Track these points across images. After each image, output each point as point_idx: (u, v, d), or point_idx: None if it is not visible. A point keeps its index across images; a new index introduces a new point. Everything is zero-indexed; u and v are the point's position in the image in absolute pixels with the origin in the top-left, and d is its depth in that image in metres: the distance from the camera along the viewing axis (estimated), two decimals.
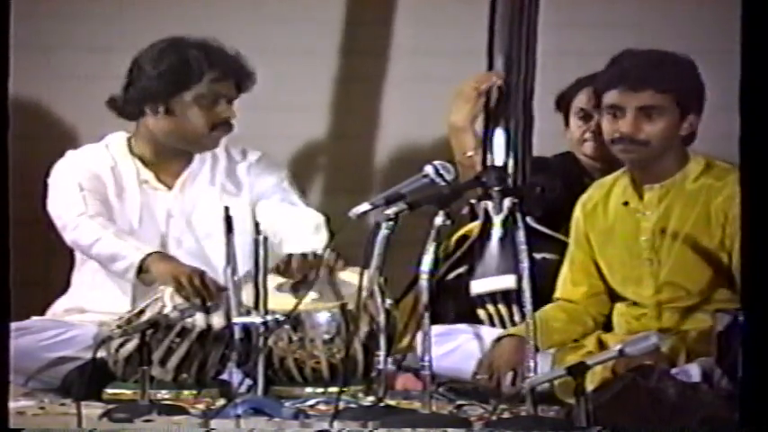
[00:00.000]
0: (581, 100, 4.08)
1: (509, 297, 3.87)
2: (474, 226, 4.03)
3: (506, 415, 3.29)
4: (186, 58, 3.92)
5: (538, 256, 3.81)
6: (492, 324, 3.82)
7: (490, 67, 4.03)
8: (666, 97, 3.54)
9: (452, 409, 3.44)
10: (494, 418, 3.26)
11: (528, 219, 3.90)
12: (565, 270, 3.76)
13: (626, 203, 3.65)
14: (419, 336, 3.46)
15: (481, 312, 3.89)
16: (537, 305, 3.59)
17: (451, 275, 3.98)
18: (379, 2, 4.72)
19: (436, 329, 3.56)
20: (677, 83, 3.56)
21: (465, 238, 4.03)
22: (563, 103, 4.12)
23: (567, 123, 4.14)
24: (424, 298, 3.42)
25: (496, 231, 3.95)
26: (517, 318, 3.84)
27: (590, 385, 3.17)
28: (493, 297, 3.92)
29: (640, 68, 3.55)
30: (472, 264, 3.97)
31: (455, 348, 3.72)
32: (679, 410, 3.06)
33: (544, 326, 3.54)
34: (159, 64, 3.91)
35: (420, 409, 3.32)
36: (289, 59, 4.61)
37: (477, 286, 3.92)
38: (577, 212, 3.76)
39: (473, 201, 4.03)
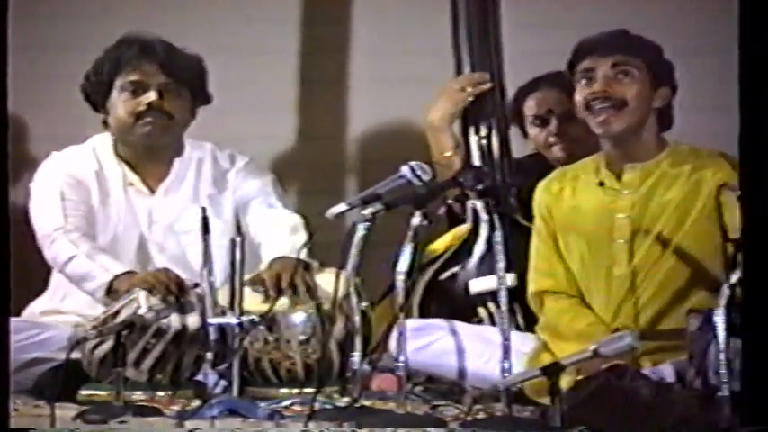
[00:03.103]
0: (530, 107, 4.09)
1: (512, 295, 3.86)
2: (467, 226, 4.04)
3: (481, 415, 3.30)
4: (110, 52, 3.96)
5: None
6: (492, 322, 3.81)
7: (458, 66, 4.04)
8: (637, 61, 3.57)
9: (428, 410, 3.45)
10: (469, 418, 3.27)
11: (520, 218, 3.92)
12: (534, 260, 3.73)
13: (602, 183, 3.64)
14: (394, 335, 3.48)
15: (481, 311, 3.89)
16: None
17: (445, 275, 3.97)
18: (338, 1, 4.73)
19: (411, 324, 3.57)
20: (646, 51, 3.59)
21: (457, 238, 4.04)
22: (514, 115, 4.12)
23: (524, 134, 4.14)
24: (400, 298, 3.43)
25: (488, 231, 3.94)
26: (519, 315, 3.84)
27: (565, 385, 3.18)
28: (493, 295, 3.91)
29: (609, 39, 3.59)
30: (465, 263, 3.97)
31: (430, 343, 3.72)
32: (652, 410, 3.06)
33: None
34: (96, 63, 3.95)
35: (395, 410, 3.33)
36: (250, 60, 4.62)
37: (477, 285, 3.91)
38: (540, 196, 3.73)
39: (450, 201, 4.03)
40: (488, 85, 4.01)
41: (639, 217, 3.58)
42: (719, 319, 3.03)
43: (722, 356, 3.01)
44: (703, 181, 3.54)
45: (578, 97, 3.61)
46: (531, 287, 3.73)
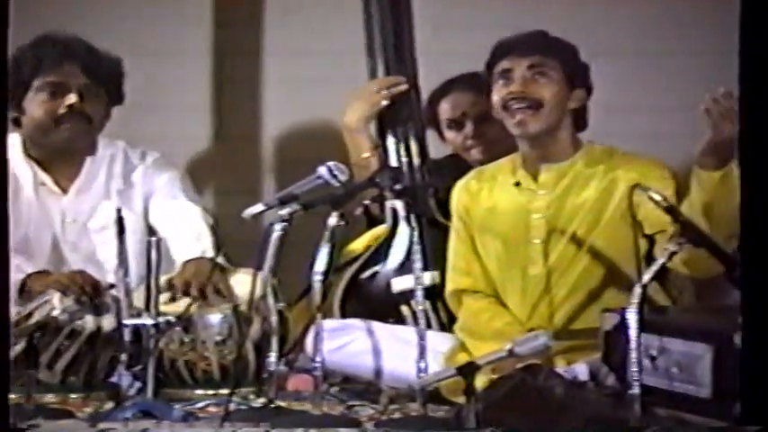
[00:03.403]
0: (444, 111, 4.11)
1: (434, 293, 3.87)
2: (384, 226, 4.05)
3: (397, 415, 3.31)
4: (29, 51, 3.91)
5: None
6: (415, 320, 3.81)
7: (372, 67, 4.03)
8: (554, 62, 3.60)
9: (343, 410, 3.44)
10: (384, 418, 3.28)
11: (440, 217, 3.92)
12: (452, 258, 3.74)
13: (518, 184, 3.67)
14: (311, 336, 3.47)
15: (404, 309, 3.88)
16: None
17: (366, 274, 3.97)
18: (251, 2, 4.73)
19: (328, 324, 3.57)
20: (562, 53, 3.62)
21: (376, 238, 4.04)
22: (430, 119, 4.13)
23: (441, 136, 4.15)
24: (317, 299, 3.43)
25: (407, 231, 3.95)
26: (442, 314, 3.85)
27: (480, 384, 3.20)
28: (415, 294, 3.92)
29: (527, 39, 3.62)
30: (386, 262, 3.96)
31: (347, 343, 3.72)
32: (566, 409, 3.08)
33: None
34: (13, 61, 3.91)
35: (311, 410, 3.33)
36: (165, 60, 4.60)
37: (399, 284, 3.92)
38: (458, 196, 3.75)
39: (366, 202, 4.04)
40: (404, 87, 4.01)
41: (555, 217, 3.61)
42: (632, 318, 3.05)
43: (634, 355, 3.03)
44: (617, 181, 3.58)
45: (495, 98, 3.63)
46: (449, 286, 3.75)
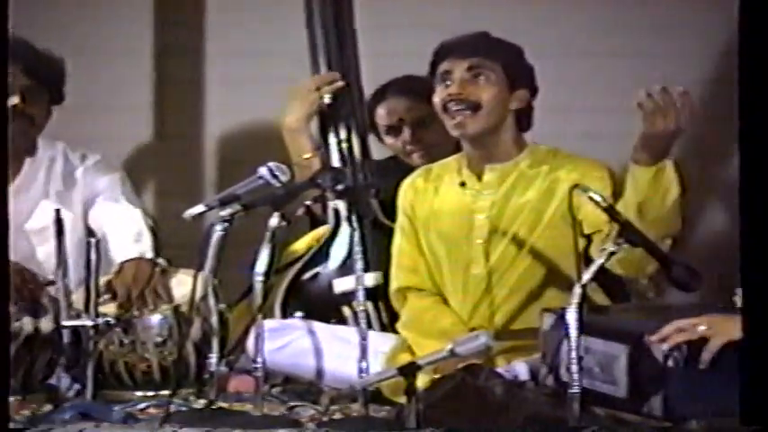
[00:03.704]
0: (381, 117, 4.11)
1: (376, 294, 3.87)
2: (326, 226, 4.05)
3: (338, 415, 3.31)
4: None
5: None
6: (356, 321, 3.82)
7: (315, 68, 4.04)
8: (493, 64, 3.61)
9: (284, 411, 3.44)
10: (325, 418, 3.28)
11: (382, 218, 3.93)
12: (396, 257, 3.75)
13: (463, 184, 3.68)
14: (251, 336, 3.47)
15: (346, 310, 3.88)
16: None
17: (307, 275, 3.97)
18: (190, 3, 4.71)
19: (269, 325, 3.57)
20: (503, 54, 3.63)
21: (317, 239, 4.04)
22: (369, 124, 4.12)
23: (381, 141, 4.16)
24: (258, 299, 3.42)
25: (349, 231, 3.95)
26: (384, 314, 3.85)
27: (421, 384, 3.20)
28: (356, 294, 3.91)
29: (468, 40, 3.63)
30: (327, 263, 3.96)
31: (288, 343, 3.71)
32: (506, 409, 3.10)
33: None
34: None
35: (252, 411, 3.32)
36: (106, 60, 4.58)
37: (341, 284, 3.91)
38: (404, 194, 3.76)
39: (308, 202, 4.03)
40: (341, 84, 4.00)
41: (497, 217, 3.62)
42: (571, 318, 3.07)
43: (573, 354, 3.05)
44: (558, 181, 3.60)
45: (436, 99, 3.64)
46: (395, 284, 3.75)
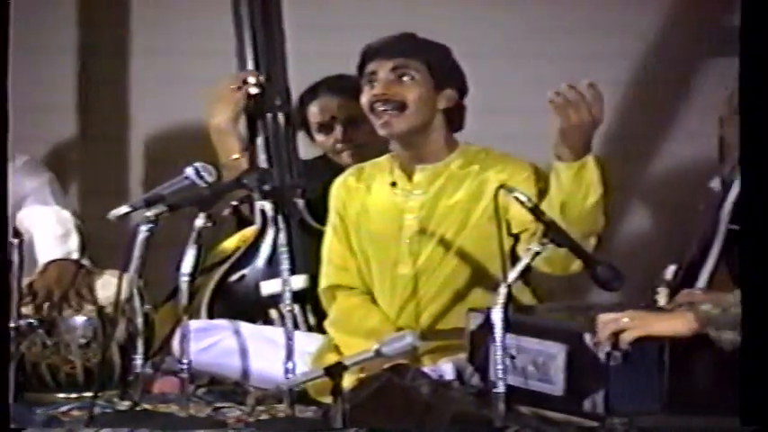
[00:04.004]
0: (313, 114, 4.11)
1: (302, 297, 3.86)
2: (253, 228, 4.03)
3: (264, 416, 3.30)
4: None
5: None
6: (283, 324, 3.81)
7: (242, 68, 4.02)
8: (418, 64, 3.62)
9: (210, 412, 3.42)
10: (251, 419, 3.27)
11: (309, 219, 3.93)
12: (327, 255, 3.75)
13: (394, 184, 3.68)
14: (177, 337, 3.45)
15: (273, 312, 3.87)
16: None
17: (234, 276, 3.95)
18: (114, 1, 4.68)
19: (195, 325, 3.55)
20: (428, 54, 3.64)
21: (244, 239, 4.02)
22: (299, 121, 4.13)
23: (312, 139, 4.16)
24: (183, 300, 3.40)
25: (275, 232, 3.94)
26: (311, 318, 3.85)
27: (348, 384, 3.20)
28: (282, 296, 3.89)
29: (394, 41, 3.65)
30: (254, 264, 3.95)
31: (214, 344, 3.70)
32: (431, 408, 3.11)
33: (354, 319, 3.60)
34: None
35: (177, 413, 3.31)
36: (30, 59, 4.53)
37: (268, 287, 3.90)
38: (336, 192, 3.76)
39: (234, 203, 4.01)
40: (261, 78, 3.98)
41: (427, 218, 3.63)
42: (497, 318, 3.08)
43: (499, 354, 3.06)
44: (487, 181, 3.62)
45: (363, 100, 3.65)
46: (324, 282, 3.75)
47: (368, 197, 3.71)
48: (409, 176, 3.67)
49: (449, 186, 3.63)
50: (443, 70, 3.65)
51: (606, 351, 3.02)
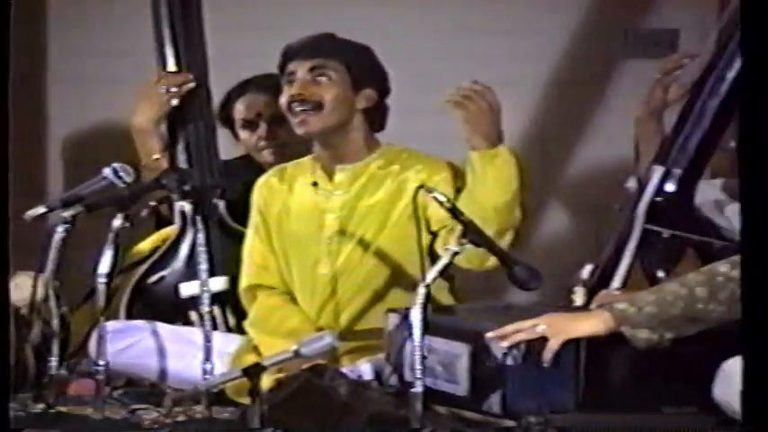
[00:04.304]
0: (239, 111, 4.10)
1: (222, 298, 3.83)
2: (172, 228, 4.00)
3: (181, 418, 3.28)
4: None
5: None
6: (202, 325, 3.78)
7: (162, 67, 3.99)
8: (336, 64, 3.62)
9: (126, 414, 3.39)
10: (168, 421, 3.24)
11: (229, 220, 3.91)
12: (248, 255, 3.73)
13: (315, 184, 3.68)
14: (93, 339, 3.42)
15: (192, 314, 3.84)
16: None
17: (154, 278, 3.92)
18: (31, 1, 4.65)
19: (112, 326, 3.52)
20: (347, 54, 3.64)
21: (163, 240, 3.99)
22: (224, 118, 4.12)
23: (236, 136, 4.15)
24: (100, 301, 3.37)
25: (195, 233, 3.91)
26: (231, 319, 3.82)
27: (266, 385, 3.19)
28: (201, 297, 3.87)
29: (313, 41, 3.66)
30: (174, 265, 3.93)
31: (131, 345, 3.67)
32: (349, 409, 3.10)
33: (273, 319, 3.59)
34: None
35: (92, 415, 3.27)
36: None
37: (187, 288, 3.87)
38: (258, 192, 3.75)
39: (153, 203, 3.98)
40: (192, 85, 3.97)
41: (347, 218, 3.63)
42: (415, 318, 3.08)
43: (417, 354, 3.07)
44: (407, 181, 3.62)
45: (282, 100, 3.65)
46: (245, 281, 3.73)
47: (290, 197, 3.70)
48: (330, 177, 3.67)
49: (369, 186, 3.64)
50: (362, 70, 3.65)
51: (504, 351, 3.03)
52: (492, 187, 3.41)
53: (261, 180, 3.78)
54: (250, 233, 3.76)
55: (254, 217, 3.76)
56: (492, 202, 3.40)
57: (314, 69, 3.61)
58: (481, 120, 3.42)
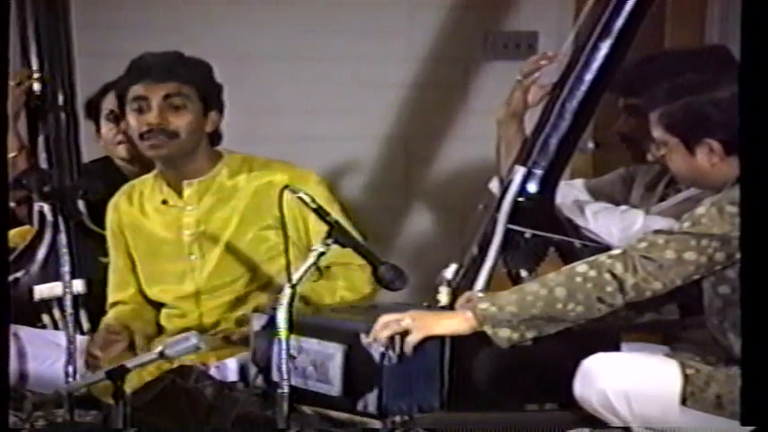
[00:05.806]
0: (110, 102, 4.06)
1: (78, 301, 3.77)
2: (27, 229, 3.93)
3: (41, 422, 3.23)
4: None
5: (105, 259, 3.78)
6: (56, 328, 3.72)
7: (25, 65, 3.93)
8: (190, 89, 3.61)
9: None
10: (27, 425, 3.19)
11: (88, 222, 3.87)
12: (111, 274, 3.75)
13: (165, 202, 3.67)
14: None
15: (46, 318, 3.79)
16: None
17: (9, 278, 3.84)
18: None
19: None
20: (198, 78, 3.63)
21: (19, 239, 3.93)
22: (92, 110, 4.09)
23: (98, 130, 4.11)
24: None
25: (53, 235, 3.85)
26: (84, 323, 3.78)
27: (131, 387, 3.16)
28: (59, 300, 3.81)
29: (164, 63, 3.61)
30: (30, 267, 3.86)
31: None
32: (215, 410, 3.10)
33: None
34: None
35: None
36: None
37: (42, 291, 3.81)
38: (111, 214, 3.76)
39: (13, 204, 3.92)
40: (36, 76, 3.89)
41: (205, 230, 3.63)
42: (281, 318, 3.08)
43: (283, 354, 3.07)
44: (264, 186, 3.62)
45: (133, 123, 3.60)
46: (110, 298, 3.73)
47: (144, 218, 3.70)
48: (179, 193, 3.66)
49: (221, 197, 3.64)
50: (210, 93, 3.65)
51: (381, 351, 3.06)
52: None
53: (112, 202, 3.76)
54: (111, 252, 3.75)
55: (109, 237, 3.75)
56: None
57: (168, 97, 3.57)
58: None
